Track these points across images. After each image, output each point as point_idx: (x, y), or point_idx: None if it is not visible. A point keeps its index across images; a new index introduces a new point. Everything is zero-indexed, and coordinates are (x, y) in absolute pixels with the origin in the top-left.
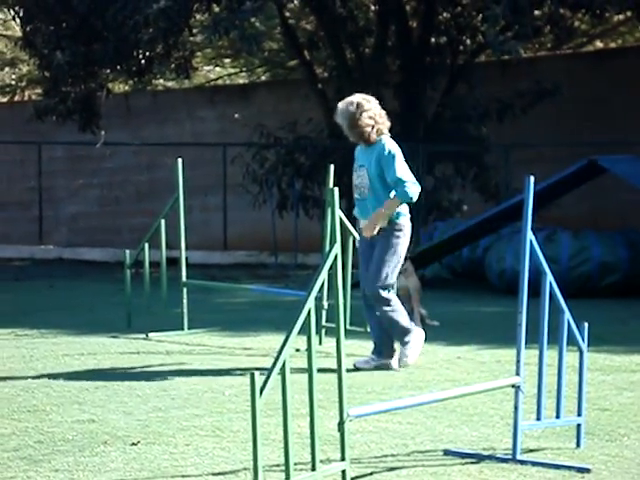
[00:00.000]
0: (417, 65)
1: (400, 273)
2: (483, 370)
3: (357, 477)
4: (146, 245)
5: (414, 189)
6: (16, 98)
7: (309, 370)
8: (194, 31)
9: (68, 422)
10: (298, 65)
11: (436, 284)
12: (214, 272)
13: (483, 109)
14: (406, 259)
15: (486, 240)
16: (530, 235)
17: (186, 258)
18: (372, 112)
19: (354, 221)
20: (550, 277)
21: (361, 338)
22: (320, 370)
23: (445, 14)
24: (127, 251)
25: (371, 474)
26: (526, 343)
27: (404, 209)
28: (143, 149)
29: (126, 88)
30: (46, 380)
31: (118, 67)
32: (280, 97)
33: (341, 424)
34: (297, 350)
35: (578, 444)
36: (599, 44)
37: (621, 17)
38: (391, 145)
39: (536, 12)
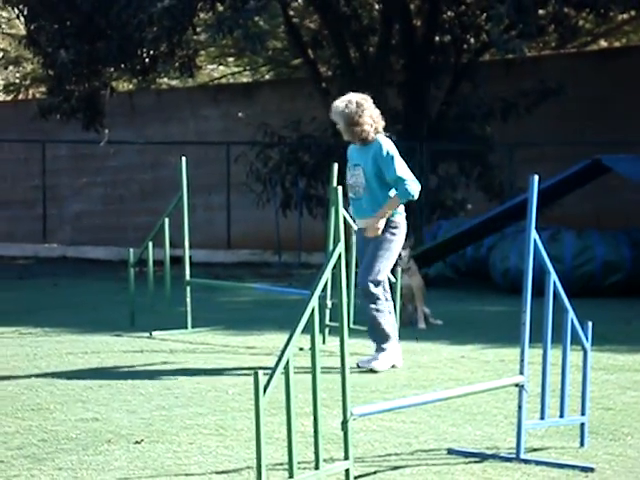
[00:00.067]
0: (421, 64)
1: (403, 272)
2: (487, 369)
3: (361, 476)
4: (150, 244)
5: (415, 187)
6: (20, 97)
7: (313, 369)
8: (198, 30)
9: (72, 420)
10: (302, 64)
11: (440, 283)
12: (218, 271)
13: (487, 108)
14: (410, 258)
15: (490, 239)
16: (534, 234)
17: (190, 257)
18: (371, 111)
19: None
20: (554, 276)
21: (364, 337)
22: (324, 369)
23: (449, 13)
24: (131, 250)
25: (375, 473)
26: (530, 342)
27: (400, 207)
28: (147, 148)
29: (130, 87)
30: (50, 378)
31: (122, 66)
32: (284, 96)
33: (345, 423)
34: (301, 349)
35: (582, 443)
36: (603, 43)
37: (625, 16)
38: (388, 144)
39: (540, 11)
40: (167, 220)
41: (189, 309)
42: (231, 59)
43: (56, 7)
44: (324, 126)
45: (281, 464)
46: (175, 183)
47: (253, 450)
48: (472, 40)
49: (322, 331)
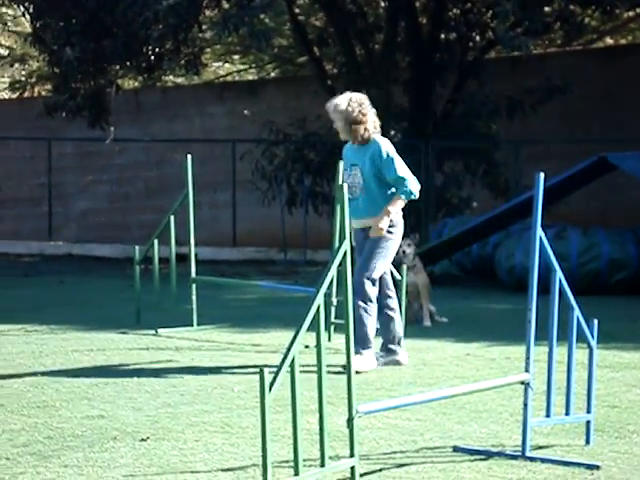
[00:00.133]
0: (427, 61)
1: (409, 269)
2: (492, 367)
3: (366, 473)
4: (155, 241)
5: (415, 186)
6: (26, 94)
7: (318, 366)
8: (204, 27)
9: (77, 418)
10: (307, 61)
11: (445, 281)
12: (223, 268)
13: (493, 106)
14: (415, 256)
15: (496, 237)
16: (540, 232)
17: (195, 254)
18: (372, 111)
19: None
20: (560, 274)
21: None
22: (329, 366)
23: (455, 10)
24: (136, 247)
25: (380, 470)
26: (535, 340)
27: (399, 208)
28: (153, 145)
29: (136, 84)
30: (55, 376)
31: (128, 63)
32: (289, 93)
33: (350, 420)
34: (306, 346)
35: (587, 441)
36: (609, 41)
37: (631, 13)
38: (387, 145)
39: (546, 8)
40: (173, 218)
41: (195, 306)
42: (237, 57)
43: (62, 4)
44: (329, 124)
45: (287, 461)
46: (180, 181)
47: (259, 447)
48: (478, 38)
49: (328, 329)
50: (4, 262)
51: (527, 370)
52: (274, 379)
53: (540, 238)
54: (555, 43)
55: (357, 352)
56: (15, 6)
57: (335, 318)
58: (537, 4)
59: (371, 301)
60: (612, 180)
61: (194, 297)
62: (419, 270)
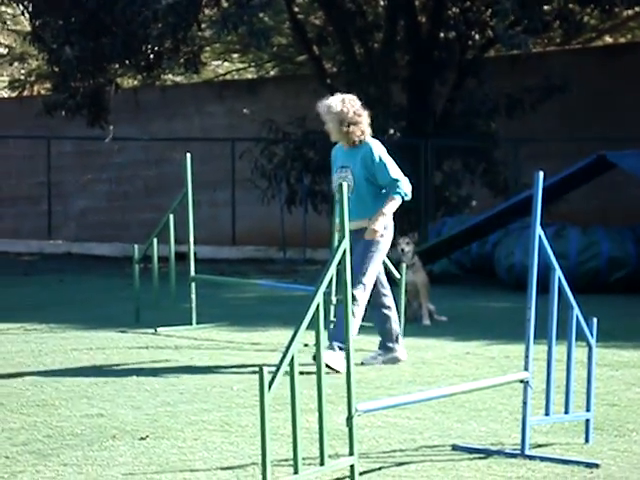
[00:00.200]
0: (426, 60)
1: (408, 268)
2: (492, 365)
3: (365, 472)
4: (155, 240)
5: (408, 187)
6: (25, 93)
7: (317, 365)
8: (203, 26)
9: (77, 416)
10: (307, 60)
11: (445, 279)
12: (223, 267)
13: (492, 104)
14: (414, 254)
15: (495, 235)
16: (539, 230)
17: (195, 253)
18: (366, 114)
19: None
20: (559, 272)
21: (369, 333)
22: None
23: (454, 9)
24: (136, 246)
25: (379, 469)
26: (535, 338)
27: (392, 209)
28: (152, 144)
29: (135, 83)
30: (55, 375)
31: (127, 62)
32: (289, 92)
33: (349, 419)
34: (305, 345)
35: (587, 439)
36: (608, 39)
37: (630, 12)
38: (379, 147)
39: (545, 7)
40: (172, 216)
41: (194, 305)
42: (236, 55)
43: (61, 3)
44: None
45: (286, 460)
46: (180, 179)
47: (258, 446)
48: (477, 36)
49: (327, 327)
50: (3, 261)
51: (526, 368)
52: (273, 378)
53: (539, 236)
54: (554, 42)
55: (331, 348)
56: (14, 5)
57: (334, 317)
58: (536, 3)
59: (357, 300)
60: (611, 178)
61: (193, 296)
62: (418, 269)
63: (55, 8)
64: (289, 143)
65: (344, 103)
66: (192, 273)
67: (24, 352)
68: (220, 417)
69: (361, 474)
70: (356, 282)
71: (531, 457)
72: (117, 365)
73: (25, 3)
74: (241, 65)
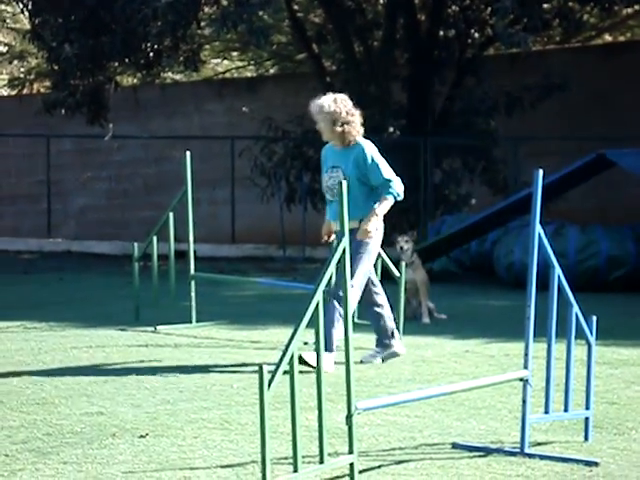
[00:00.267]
0: (425, 58)
1: (407, 266)
2: (491, 363)
3: (365, 470)
4: (154, 238)
5: (400, 187)
6: (25, 91)
7: (317, 363)
8: (202, 24)
9: (77, 415)
10: (306, 58)
11: (444, 278)
12: (222, 265)
13: (491, 103)
14: (413, 253)
15: (494, 234)
16: (539, 228)
17: (194, 251)
18: (359, 114)
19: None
20: (558, 271)
21: (369, 331)
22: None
23: (454, 7)
24: (135, 244)
25: (379, 467)
26: (534, 336)
27: (383, 211)
28: (151, 142)
29: (134, 81)
30: (54, 373)
31: (126, 60)
32: (288, 90)
33: (349, 417)
34: (305, 343)
35: (586, 437)
36: (608, 38)
37: (630, 10)
38: (371, 148)
39: (545, 5)
40: (171, 214)
41: (194, 303)
42: (235, 53)
43: (60, 1)
44: None
45: (285, 458)
46: (179, 177)
47: (258, 444)
48: (476, 35)
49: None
50: (3, 259)
51: (526, 367)
52: (273, 376)
53: (539, 235)
54: (554, 40)
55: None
56: (14, 3)
57: None
58: (536, 1)
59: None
60: (610, 177)
61: (193, 294)
62: (417, 267)
63: (55, 6)
64: (288, 141)
65: (336, 103)
66: (192, 271)
67: (24, 350)
68: (220, 415)
69: (361, 472)
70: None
71: (531, 455)
72: (117, 363)
73: (25, 1)
74: (240, 63)
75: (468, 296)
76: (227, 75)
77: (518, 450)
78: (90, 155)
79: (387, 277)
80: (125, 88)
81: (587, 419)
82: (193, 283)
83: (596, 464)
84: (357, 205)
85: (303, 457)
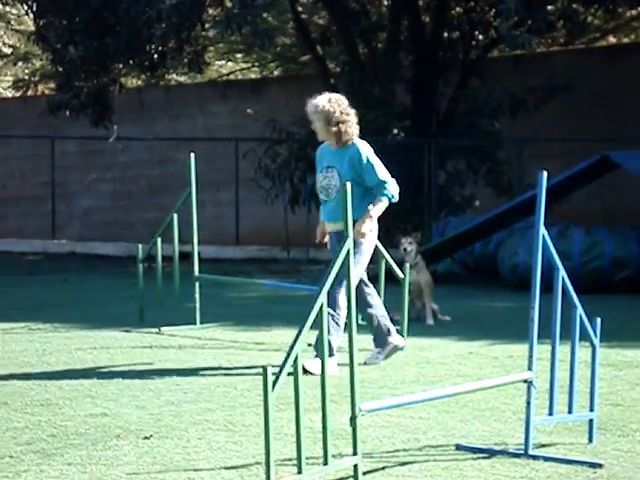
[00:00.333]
0: (430, 60)
1: (411, 268)
2: (495, 365)
3: (369, 472)
4: (159, 240)
5: (396, 189)
6: (29, 93)
7: (321, 364)
8: (206, 26)
9: (81, 416)
10: (310, 60)
11: (448, 279)
12: (226, 267)
13: (496, 104)
14: (417, 254)
15: (498, 235)
16: (543, 230)
17: (199, 253)
18: (354, 114)
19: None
20: (563, 272)
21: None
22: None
23: (458, 9)
24: (140, 245)
25: (383, 469)
26: (538, 338)
27: (378, 212)
28: (156, 144)
29: (139, 83)
30: (59, 374)
31: (131, 62)
32: (292, 92)
33: (353, 419)
34: (309, 345)
35: (590, 439)
36: (612, 39)
37: (634, 12)
38: (366, 149)
39: (549, 7)
40: (176, 216)
41: (198, 305)
42: (240, 55)
43: (65, 3)
44: None
45: (290, 460)
46: (183, 179)
47: (262, 446)
48: (480, 36)
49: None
50: (8, 260)
51: (530, 368)
52: (277, 377)
53: (543, 236)
54: (558, 42)
55: (315, 355)
56: (18, 5)
57: None
58: (540, 3)
59: (339, 308)
60: (614, 179)
61: (197, 295)
62: (421, 268)
63: (59, 8)
64: (293, 143)
65: (331, 102)
66: (196, 273)
67: (28, 351)
68: (224, 417)
69: (365, 474)
70: (338, 285)
71: (535, 457)
72: (121, 365)
73: (29, 3)
74: (245, 65)
75: (472, 298)
76: (231, 77)
77: (522, 452)
78: (94, 157)
79: (391, 278)
80: (129, 90)
81: (591, 421)
82: (197, 284)
83: (600, 466)
84: (352, 206)
85: (307, 458)
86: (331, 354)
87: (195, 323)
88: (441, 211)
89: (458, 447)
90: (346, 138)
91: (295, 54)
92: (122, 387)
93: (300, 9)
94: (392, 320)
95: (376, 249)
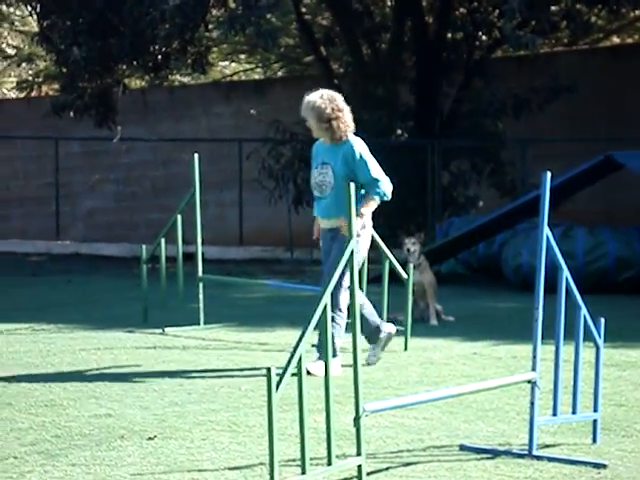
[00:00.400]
0: (433, 61)
1: (415, 268)
2: (499, 366)
3: (373, 472)
4: (162, 240)
5: (389, 187)
6: (33, 94)
7: (325, 365)
8: (210, 27)
9: (85, 417)
10: (314, 61)
11: (452, 280)
12: (230, 267)
13: (499, 105)
14: (421, 254)
15: (502, 236)
16: (547, 230)
17: (202, 253)
18: (348, 110)
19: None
20: (567, 272)
21: None
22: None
23: (461, 9)
24: (143, 246)
25: (387, 469)
26: (542, 339)
27: (370, 210)
28: (159, 145)
29: (142, 84)
30: (63, 375)
31: (134, 62)
32: (296, 93)
33: (357, 419)
34: (313, 345)
35: (594, 440)
36: (616, 40)
37: (637, 13)
38: (360, 145)
39: (553, 7)
40: (179, 217)
41: (202, 305)
42: (243, 56)
43: (69, 4)
44: None
45: (294, 460)
46: (187, 180)
47: (266, 446)
48: (484, 37)
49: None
50: (11, 261)
51: (534, 369)
52: (281, 378)
53: (547, 237)
54: (562, 42)
55: (319, 357)
56: (22, 6)
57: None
58: (544, 3)
59: (340, 310)
60: (617, 179)
61: (201, 296)
62: (425, 269)
63: (63, 9)
64: (296, 143)
65: (322, 99)
66: (200, 273)
67: (32, 352)
68: (228, 417)
69: (368, 474)
70: (339, 286)
71: (539, 457)
72: (125, 365)
73: (33, 4)
74: (248, 66)
75: (476, 298)
76: (235, 78)
77: (526, 452)
78: (98, 157)
79: (394, 279)
80: (133, 91)
81: (595, 421)
82: (201, 285)
83: (604, 466)
84: (343, 202)
85: (311, 459)
86: (334, 355)
87: (199, 324)
88: (445, 211)
89: (462, 448)
90: (339, 135)
91: (299, 55)
92: (126, 388)
93: (304, 10)
94: (395, 320)
95: (380, 249)
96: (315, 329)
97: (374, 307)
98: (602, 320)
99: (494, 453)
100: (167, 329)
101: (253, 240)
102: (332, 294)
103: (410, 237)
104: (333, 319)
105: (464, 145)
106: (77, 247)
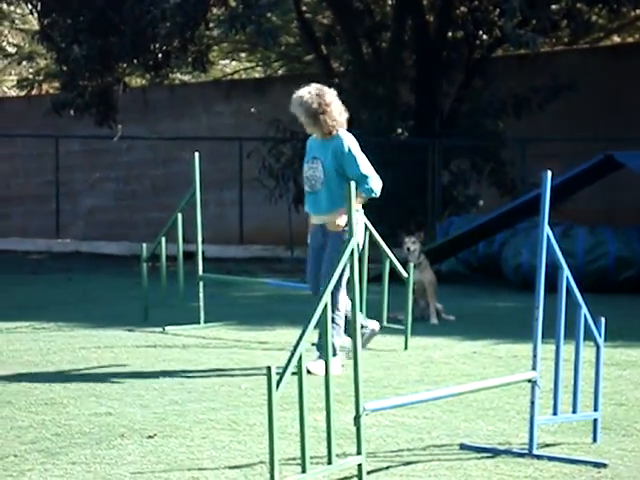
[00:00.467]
0: (434, 60)
1: (415, 267)
2: (499, 365)
3: (373, 471)
4: (163, 239)
5: (377, 184)
6: (34, 92)
7: (325, 364)
8: (211, 25)
9: (85, 415)
10: (314, 59)
11: (452, 279)
12: (230, 266)
13: (499, 104)
14: (421, 254)
15: (502, 235)
16: (547, 230)
17: (202, 252)
18: (338, 105)
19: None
20: (567, 272)
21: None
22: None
23: (462, 8)
24: (144, 245)
25: (387, 468)
26: (542, 338)
27: (358, 205)
28: (160, 143)
29: (143, 82)
30: (63, 373)
31: (135, 61)
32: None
33: (357, 418)
34: (313, 344)
35: (595, 439)
36: (616, 39)
37: (638, 12)
38: (350, 140)
39: (553, 6)
40: (180, 215)
41: (202, 304)
42: (244, 54)
43: (69, 2)
44: None
45: (294, 459)
46: (187, 179)
47: (266, 445)
48: (485, 36)
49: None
50: (12, 259)
51: (534, 368)
52: (281, 377)
53: (547, 236)
54: (562, 41)
55: (318, 357)
56: (23, 4)
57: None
58: (545, 2)
59: (339, 309)
60: (617, 178)
61: (201, 295)
62: (425, 268)
63: (64, 7)
64: (297, 142)
65: (310, 94)
66: (200, 272)
67: (32, 350)
68: (228, 416)
69: (369, 473)
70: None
71: (539, 457)
72: (125, 364)
73: (34, 2)
74: (249, 64)
75: (476, 297)
76: (235, 76)
77: (526, 451)
78: (99, 156)
79: (395, 278)
80: (134, 89)
81: (595, 420)
82: (201, 284)
83: (604, 465)
84: (335, 198)
85: (311, 458)
86: (334, 354)
87: (199, 322)
88: (445, 211)
89: (462, 447)
90: (327, 129)
91: (299, 53)
92: (126, 386)
93: (304, 8)
94: (396, 320)
95: (380, 248)
96: (315, 328)
97: (374, 307)
98: (602, 319)
99: (494, 452)
100: (167, 328)
101: (253, 239)
102: (332, 294)
103: (410, 236)
104: (332, 319)
105: (464, 144)
106: (77, 245)
